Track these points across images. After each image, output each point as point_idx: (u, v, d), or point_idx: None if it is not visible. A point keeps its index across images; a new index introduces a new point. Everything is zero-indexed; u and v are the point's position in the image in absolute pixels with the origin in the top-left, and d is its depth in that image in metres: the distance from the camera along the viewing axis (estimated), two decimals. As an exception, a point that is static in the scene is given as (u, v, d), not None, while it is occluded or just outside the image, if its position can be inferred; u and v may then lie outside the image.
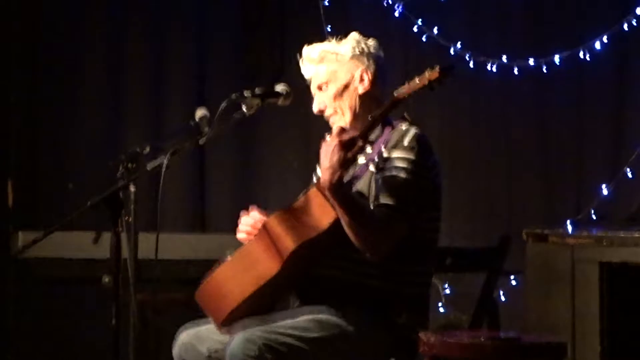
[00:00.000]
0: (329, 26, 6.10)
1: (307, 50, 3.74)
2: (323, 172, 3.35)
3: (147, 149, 4.07)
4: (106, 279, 5.22)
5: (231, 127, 3.63)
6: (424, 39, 6.08)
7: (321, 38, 6.01)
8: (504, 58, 5.99)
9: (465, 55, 6.03)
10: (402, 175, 3.48)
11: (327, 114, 3.70)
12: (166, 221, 6.03)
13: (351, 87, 3.67)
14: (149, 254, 3.59)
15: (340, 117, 3.67)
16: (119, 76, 6.36)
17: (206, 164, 6.43)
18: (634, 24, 5.78)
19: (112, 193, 3.29)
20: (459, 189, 6.06)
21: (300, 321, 3.48)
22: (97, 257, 5.02)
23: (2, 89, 6.10)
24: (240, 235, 3.69)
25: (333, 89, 3.68)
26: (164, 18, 6.42)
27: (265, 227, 3.48)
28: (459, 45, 6.05)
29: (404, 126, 3.56)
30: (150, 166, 3.51)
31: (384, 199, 3.45)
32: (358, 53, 3.69)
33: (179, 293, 5.24)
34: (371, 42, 3.73)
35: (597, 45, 5.84)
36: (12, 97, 6.14)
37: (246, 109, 3.60)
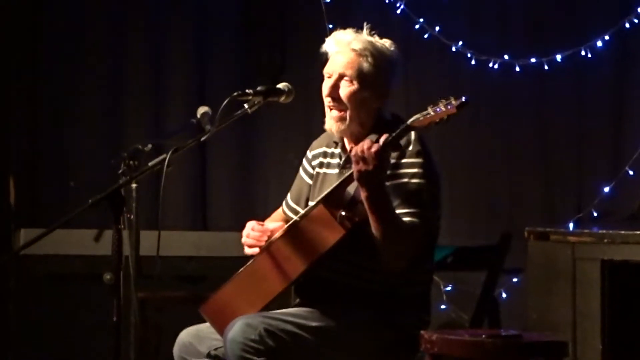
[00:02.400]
0: (331, 25, 6.10)
1: (351, 36, 3.62)
2: (368, 189, 3.35)
3: (149, 147, 4.07)
4: (108, 276, 5.19)
5: (232, 124, 3.63)
6: (425, 37, 6.08)
7: (323, 37, 6.08)
8: (506, 56, 6.00)
9: (466, 54, 6.03)
10: (415, 180, 3.49)
11: (333, 105, 3.59)
12: (168, 218, 6.03)
13: (373, 99, 3.59)
14: (151, 251, 3.59)
15: (346, 121, 3.57)
16: (120, 74, 6.36)
17: (208, 161, 6.43)
18: (635, 22, 5.79)
19: (113, 190, 3.29)
20: (460, 187, 6.06)
21: (301, 310, 3.50)
22: (99, 255, 5.00)
23: (3, 87, 6.10)
24: (249, 250, 3.68)
25: (357, 90, 3.56)
26: (165, 16, 6.42)
27: (272, 246, 3.52)
28: (460, 43, 6.05)
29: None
30: (151, 164, 3.50)
31: (405, 207, 3.46)
32: (392, 68, 3.63)
33: (180, 290, 5.26)
34: (398, 56, 3.68)
35: (599, 43, 5.84)
36: (13, 95, 6.14)
37: (248, 106, 3.60)
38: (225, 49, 6.46)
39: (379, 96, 3.60)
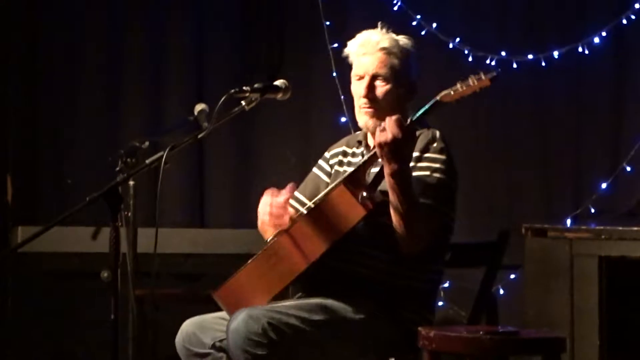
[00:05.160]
0: (328, 22, 6.10)
1: (377, 36, 3.66)
2: (393, 163, 3.36)
3: (146, 144, 4.08)
4: (105, 274, 5.23)
5: (230, 121, 3.63)
6: (422, 33, 6.08)
7: (320, 34, 6.09)
8: (503, 53, 5.99)
9: (464, 50, 6.03)
10: (436, 175, 3.55)
11: (370, 105, 3.63)
12: (165, 216, 6.02)
13: (406, 95, 3.64)
14: (148, 249, 3.58)
15: (378, 116, 3.60)
16: (118, 71, 6.35)
17: (205, 159, 6.43)
18: (633, 18, 5.78)
19: (111, 188, 3.28)
20: (458, 182, 6.05)
21: (304, 303, 3.49)
22: (96, 252, 5.02)
23: (1, 83, 6.10)
24: (265, 217, 3.66)
25: (392, 88, 3.63)
26: (163, 13, 6.42)
27: (293, 227, 3.52)
28: (457, 40, 6.05)
29: (428, 128, 3.60)
30: (149, 161, 3.50)
31: (423, 199, 3.48)
32: (415, 62, 3.69)
33: (177, 287, 5.26)
34: (416, 49, 3.72)
35: (596, 40, 5.84)
36: (11, 93, 6.14)
37: (245, 103, 3.60)
38: (224, 46, 6.46)
39: (410, 91, 3.67)
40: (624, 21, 5.80)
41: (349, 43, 3.72)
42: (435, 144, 3.58)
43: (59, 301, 5.50)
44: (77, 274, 5.49)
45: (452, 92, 3.42)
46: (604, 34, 5.83)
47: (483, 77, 3.40)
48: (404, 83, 3.65)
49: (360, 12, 6.09)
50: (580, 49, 5.87)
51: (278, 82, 3.69)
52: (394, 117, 3.36)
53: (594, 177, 5.87)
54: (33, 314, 5.50)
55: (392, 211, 3.42)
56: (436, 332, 3.44)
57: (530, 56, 5.96)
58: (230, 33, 6.45)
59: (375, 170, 3.51)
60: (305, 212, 3.61)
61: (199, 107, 3.71)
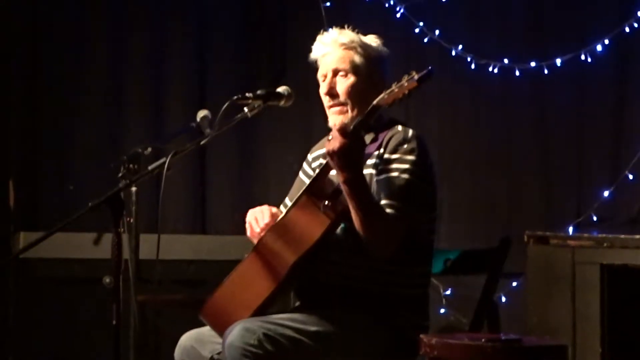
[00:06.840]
0: (331, 28, 6.10)
1: (336, 33, 3.69)
2: (344, 171, 3.35)
3: (149, 150, 4.08)
4: (107, 280, 5.21)
5: (232, 128, 3.63)
6: (425, 41, 6.08)
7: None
8: (505, 60, 6.00)
9: (466, 58, 6.03)
10: (404, 176, 3.50)
11: (333, 103, 3.63)
12: (167, 222, 6.03)
13: (370, 91, 3.56)
14: (150, 255, 3.59)
15: (348, 114, 3.60)
16: (120, 77, 6.36)
17: (207, 165, 6.43)
18: (635, 26, 5.79)
19: (113, 194, 3.29)
20: (460, 190, 6.06)
21: (299, 315, 3.49)
22: (98, 258, 5.02)
23: (3, 89, 6.10)
24: (250, 231, 3.70)
25: (354, 82, 3.61)
26: (166, 19, 6.43)
27: (260, 243, 3.52)
28: (460, 47, 6.05)
29: (399, 127, 3.58)
30: (151, 167, 3.50)
31: (388, 200, 3.46)
32: (382, 58, 3.68)
33: (179, 293, 5.26)
34: (384, 47, 3.71)
35: (599, 47, 5.84)
36: (13, 98, 6.14)
37: (248, 110, 3.61)
38: (226, 52, 6.46)
39: (375, 87, 3.57)
40: (627, 29, 5.80)
41: (313, 47, 3.73)
42: (405, 145, 3.54)
43: (61, 307, 5.50)
44: (79, 280, 5.49)
45: (386, 96, 3.37)
46: (606, 41, 5.84)
47: (415, 76, 3.32)
48: (368, 78, 3.61)
49: (363, 19, 6.09)
50: (582, 57, 5.88)
51: (281, 89, 3.70)
52: (337, 125, 3.39)
53: (596, 185, 5.87)
54: (35, 320, 5.49)
55: (352, 217, 3.42)
56: (438, 340, 3.44)
57: (532, 64, 5.97)
58: (233, 40, 6.46)
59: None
60: (271, 227, 3.58)
61: (202, 113, 3.71)
